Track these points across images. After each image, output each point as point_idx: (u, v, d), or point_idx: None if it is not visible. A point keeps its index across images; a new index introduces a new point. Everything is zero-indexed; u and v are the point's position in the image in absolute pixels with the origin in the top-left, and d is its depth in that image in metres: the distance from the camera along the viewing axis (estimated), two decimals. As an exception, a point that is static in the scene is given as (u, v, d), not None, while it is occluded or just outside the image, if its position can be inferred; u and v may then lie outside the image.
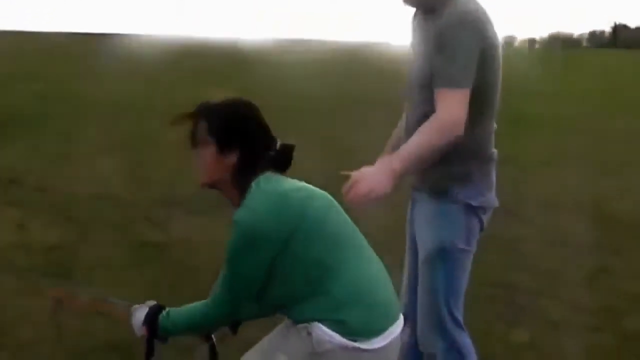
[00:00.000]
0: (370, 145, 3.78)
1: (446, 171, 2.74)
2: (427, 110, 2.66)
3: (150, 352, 2.51)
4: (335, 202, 2.43)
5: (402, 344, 2.93)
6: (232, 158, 2.37)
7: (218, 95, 2.47)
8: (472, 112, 2.63)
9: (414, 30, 2.91)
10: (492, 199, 2.86)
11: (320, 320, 2.21)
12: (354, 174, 2.52)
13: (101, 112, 14.06)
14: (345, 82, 23.52)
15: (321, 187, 2.41)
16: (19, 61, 27.33)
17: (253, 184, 2.34)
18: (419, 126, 2.63)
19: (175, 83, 21.25)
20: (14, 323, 4.24)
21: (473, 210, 2.78)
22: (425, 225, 2.84)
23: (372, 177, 2.50)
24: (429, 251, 2.79)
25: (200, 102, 2.46)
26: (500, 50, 2.77)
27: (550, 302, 4.91)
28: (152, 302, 2.55)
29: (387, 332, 2.26)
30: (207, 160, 2.41)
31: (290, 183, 2.39)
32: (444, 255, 2.77)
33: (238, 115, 2.41)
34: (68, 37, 51.30)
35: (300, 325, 2.24)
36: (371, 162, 2.65)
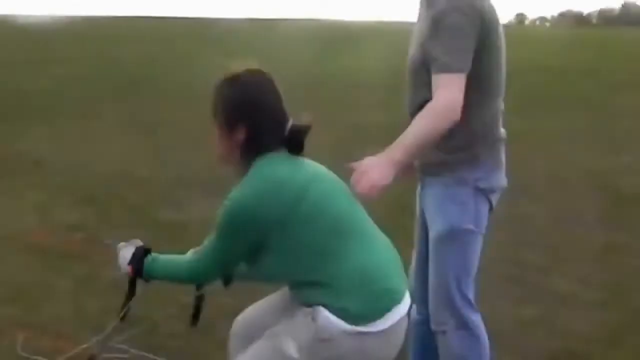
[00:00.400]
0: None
1: (453, 154, 2.80)
2: (427, 96, 2.71)
3: (132, 291, 2.61)
4: (344, 186, 2.49)
5: (411, 321, 3.07)
6: (240, 135, 2.40)
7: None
8: (475, 95, 2.69)
9: (418, 17, 2.96)
10: (500, 180, 2.92)
11: (324, 306, 2.27)
12: (360, 164, 2.56)
13: (120, 94, 14.15)
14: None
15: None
16: (36, 45, 27.34)
17: (255, 165, 2.37)
18: (418, 111, 2.69)
19: (165, 63, 21.19)
20: (37, 303, 4.37)
21: (482, 192, 2.83)
22: (434, 208, 2.90)
23: (379, 166, 2.55)
24: (439, 233, 2.86)
25: (223, 74, 2.48)
26: (501, 32, 2.81)
27: (559, 278, 4.98)
28: (138, 242, 2.64)
29: (390, 314, 2.30)
30: (218, 135, 2.47)
31: (294, 165, 2.40)
32: (453, 237, 2.84)
33: (246, 92, 2.41)
34: (83, 19, 51.23)
35: (306, 310, 2.31)
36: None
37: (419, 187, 3.09)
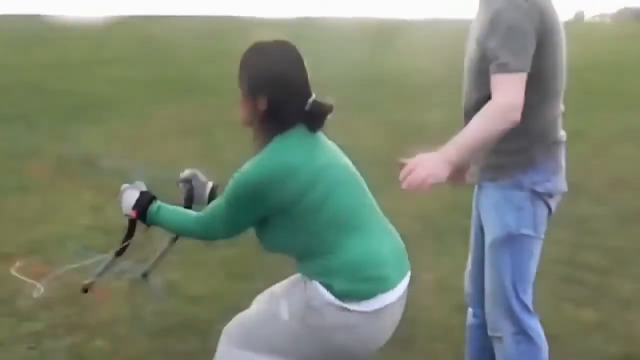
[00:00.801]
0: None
1: (510, 157, 2.74)
2: (483, 95, 2.66)
3: (131, 233, 2.67)
4: (356, 175, 2.57)
5: (467, 325, 3.00)
6: (261, 105, 2.43)
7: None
8: (533, 96, 2.61)
9: (476, 13, 2.88)
10: (559, 184, 2.83)
11: (317, 279, 2.40)
12: (411, 160, 2.52)
13: (175, 95, 14.27)
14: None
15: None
16: (96, 47, 27.73)
17: (273, 143, 2.42)
18: (477, 111, 2.62)
19: (214, 62, 21.26)
20: (92, 304, 4.38)
21: (539, 196, 2.77)
22: (491, 212, 2.85)
23: (430, 163, 2.51)
24: (495, 237, 2.81)
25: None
26: (561, 30, 2.73)
27: (621, 281, 4.86)
28: (142, 186, 2.69)
29: (374, 299, 2.40)
30: (241, 103, 2.52)
31: (310, 149, 2.43)
32: (510, 242, 2.78)
33: (269, 63, 2.44)
34: (124, 19, 51.82)
35: (304, 279, 2.46)
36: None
37: (475, 190, 3.02)
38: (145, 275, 2.94)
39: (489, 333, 2.94)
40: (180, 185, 2.89)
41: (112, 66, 19.95)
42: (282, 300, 2.51)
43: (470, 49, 2.80)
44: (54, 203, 6.67)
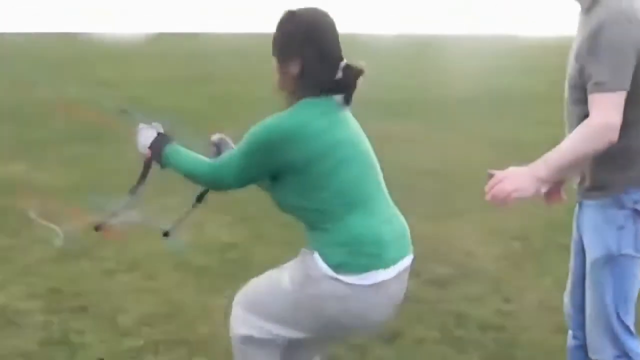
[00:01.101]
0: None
1: (611, 175, 2.67)
2: (582, 112, 2.61)
3: (145, 173, 2.81)
4: (371, 157, 2.66)
5: (567, 346, 2.92)
6: (294, 69, 2.53)
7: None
8: (633, 112, 2.54)
9: (577, 29, 2.82)
10: None
11: (318, 250, 2.54)
12: (500, 173, 2.52)
13: (270, 111, 14.43)
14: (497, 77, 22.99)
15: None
16: (193, 63, 28.34)
17: (301, 102, 2.53)
18: (575, 128, 2.57)
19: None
20: (193, 320, 4.47)
21: None
22: (591, 231, 2.77)
23: (518, 177, 2.50)
24: (596, 257, 2.73)
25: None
26: None
27: None
28: (160, 127, 2.82)
29: (366, 274, 2.51)
30: (275, 67, 2.61)
31: (333, 121, 2.53)
32: (611, 262, 2.70)
33: (302, 27, 2.53)
34: (236, 37, 52.80)
35: (307, 250, 2.60)
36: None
37: (576, 210, 2.95)
38: (166, 234, 3.00)
39: (590, 356, 2.86)
40: (211, 147, 3.00)
41: (213, 83, 20.32)
42: (287, 271, 2.68)
43: (570, 65, 2.75)
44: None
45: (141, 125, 2.83)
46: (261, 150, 2.48)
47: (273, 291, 2.69)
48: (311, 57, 2.51)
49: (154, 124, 2.82)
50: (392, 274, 2.56)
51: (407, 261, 2.65)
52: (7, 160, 9.54)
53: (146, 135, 2.79)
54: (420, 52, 36.58)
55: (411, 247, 2.70)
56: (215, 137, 3.02)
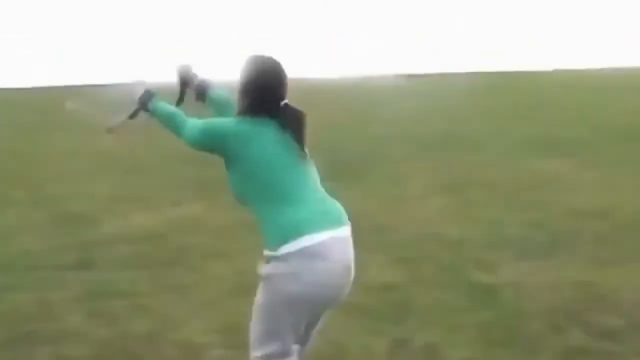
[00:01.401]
0: None
1: None
2: None
3: (133, 115, 3.67)
4: (301, 160, 3.27)
5: None
6: (246, 101, 3.32)
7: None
8: None
9: None
10: None
11: (265, 252, 3.17)
12: None
13: (428, 152, 14.43)
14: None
15: None
16: (351, 106, 28.66)
17: (246, 115, 3.31)
18: None
19: (473, 119, 21.18)
20: (354, 361, 4.51)
21: None
22: None
23: None
24: None
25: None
26: None
27: None
28: (146, 83, 3.67)
29: (303, 238, 3.04)
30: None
31: (265, 131, 3.24)
32: None
33: (253, 74, 3.30)
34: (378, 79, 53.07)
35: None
36: None
37: None
38: (109, 130, 3.75)
39: None
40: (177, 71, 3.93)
41: (371, 125, 20.48)
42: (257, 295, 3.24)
43: None
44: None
45: (134, 82, 3.74)
46: (209, 135, 3.27)
47: (255, 318, 3.24)
48: (257, 98, 3.29)
49: (140, 81, 3.72)
50: (325, 237, 3.08)
51: (341, 230, 3.21)
52: (189, 200, 10.03)
53: (137, 88, 3.64)
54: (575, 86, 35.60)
55: (342, 220, 3.25)
56: (181, 67, 3.92)
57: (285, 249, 3.05)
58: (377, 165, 12.92)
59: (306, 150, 3.29)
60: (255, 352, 3.23)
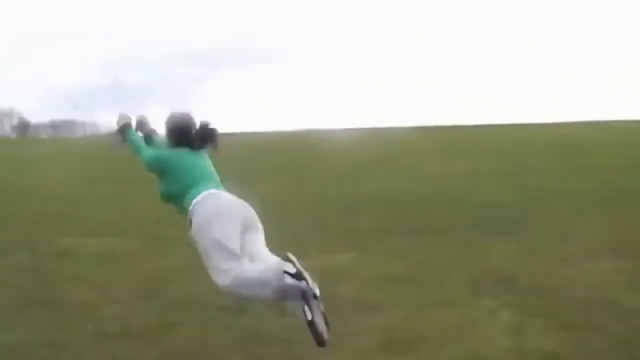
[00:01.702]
0: None
1: None
2: None
3: (117, 139, 5.84)
4: (208, 170, 5.51)
5: None
6: (171, 140, 5.59)
7: None
8: None
9: None
10: None
11: (189, 207, 5.29)
12: None
13: (600, 207, 13.58)
14: None
15: None
16: (500, 156, 27.99)
17: (173, 147, 5.60)
18: None
19: None
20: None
21: None
22: None
23: None
24: None
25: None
26: None
27: None
28: (129, 117, 5.85)
29: (201, 195, 5.23)
30: None
31: (182, 154, 5.47)
32: None
33: (171, 123, 5.61)
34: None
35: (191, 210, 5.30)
36: None
37: None
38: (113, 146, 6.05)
39: None
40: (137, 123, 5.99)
41: (526, 176, 19.74)
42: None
43: None
44: (470, 320, 6.52)
45: (121, 115, 5.81)
46: (157, 161, 5.46)
47: (202, 248, 5.11)
48: (176, 138, 5.54)
49: (124, 114, 5.82)
50: (206, 193, 5.22)
51: (214, 190, 5.30)
52: (339, 249, 9.96)
53: (120, 120, 5.81)
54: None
55: (218, 187, 5.37)
56: (139, 117, 5.97)
57: (195, 200, 5.20)
58: (536, 218, 12.26)
59: (207, 150, 5.61)
60: (215, 270, 5.01)
